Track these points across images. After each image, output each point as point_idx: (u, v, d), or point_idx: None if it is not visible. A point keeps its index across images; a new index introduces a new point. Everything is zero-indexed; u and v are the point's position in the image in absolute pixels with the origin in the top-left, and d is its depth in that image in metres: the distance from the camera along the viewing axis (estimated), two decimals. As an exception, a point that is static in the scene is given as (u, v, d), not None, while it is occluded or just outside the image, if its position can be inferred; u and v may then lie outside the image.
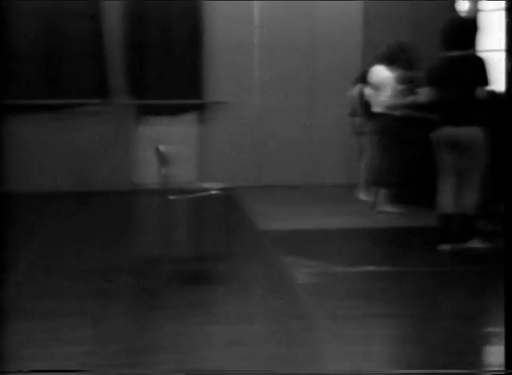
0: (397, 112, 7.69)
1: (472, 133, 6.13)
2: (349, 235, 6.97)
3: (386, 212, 7.83)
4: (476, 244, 6.28)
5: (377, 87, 7.83)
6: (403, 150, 7.87)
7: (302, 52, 9.48)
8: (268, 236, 6.87)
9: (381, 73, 7.82)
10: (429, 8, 9.42)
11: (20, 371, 3.82)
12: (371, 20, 9.44)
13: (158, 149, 6.03)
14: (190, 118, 9.52)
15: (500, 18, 10.22)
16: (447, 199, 6.28)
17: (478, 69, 6.06)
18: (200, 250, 5.82)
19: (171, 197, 5.77)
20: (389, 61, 7.76)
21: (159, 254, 5.66)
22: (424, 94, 6.30)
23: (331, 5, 9.42)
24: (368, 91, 8.03)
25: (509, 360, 2.94)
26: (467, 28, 6.20)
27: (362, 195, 8.69)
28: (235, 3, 9.36)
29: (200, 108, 9.56)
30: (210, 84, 9.47)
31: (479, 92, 6.08)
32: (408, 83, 7.83)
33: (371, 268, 5.80)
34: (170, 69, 9.39)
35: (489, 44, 10.05)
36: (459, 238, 6.25)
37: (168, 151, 5.98)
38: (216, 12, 9.36)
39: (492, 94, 7.53)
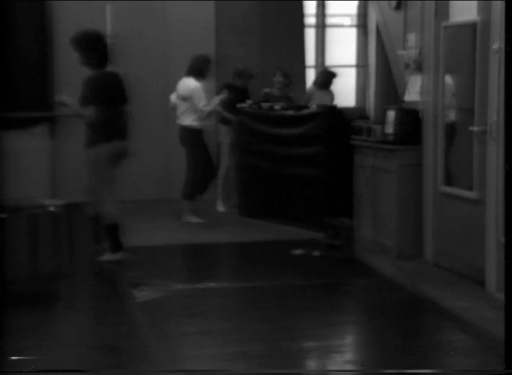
0: (198, 123, 8.08)
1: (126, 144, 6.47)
2: (192, 250, 6.94)
3: (192, 223, 7.96)
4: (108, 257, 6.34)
5: (185, 98, 8.09)
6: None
7: (156, 64, 9.39)
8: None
9: (189, 84, 8.09)
10: (278, 20, 9.56)
11: (20, 371, 3.76)
12: (223, 34, 9.48)
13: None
14: (39, 131, 9.22)
15: (348, 34, 10.52)
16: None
17: (116, 86, 6.36)
18: (33, 270, 5.60)
19: (3, 215, 5.53)
20: (197, 73, 8.08)
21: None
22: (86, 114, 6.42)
23: (184, 16, 9.39)
24: (175, 102, 8.24)
25: (509, 360, 2.94)
26: (98, 45, 6.40)
27: (220, 207, 8.70)
28: (85, 12, 9.16)
29: (50, 120, 9.28)
30: (60, 97, 9.20)
31: (121, 108, 6.40)
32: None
33: (211, 284, 5.78)
34: (18, 80, 9.07)
35: (339, 59, 10.33)
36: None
37: None
38: (66, 21, 9.12)
39: (329, 108, 7.78)
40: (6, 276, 5.39)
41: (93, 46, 6.41)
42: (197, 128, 8.14)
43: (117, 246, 6.33)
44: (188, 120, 8.13)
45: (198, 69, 8.08)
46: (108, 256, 6.34)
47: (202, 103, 8.05)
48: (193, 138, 8.15)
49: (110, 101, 6.36)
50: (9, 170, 6.56)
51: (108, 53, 6.43)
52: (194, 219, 8.06)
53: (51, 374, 3.73)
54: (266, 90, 8.83)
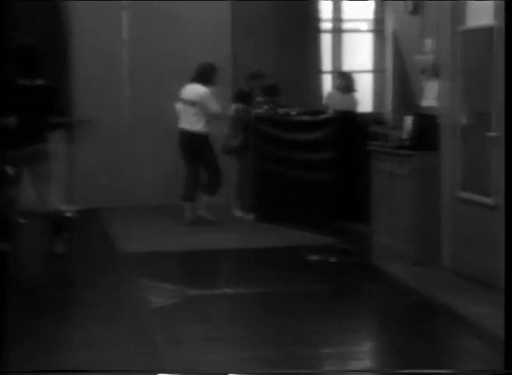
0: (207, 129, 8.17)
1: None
2: (207, 256, 6.92)
3: (206, 227, 8.02)
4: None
5: (194, 104, 8.17)
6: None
7: (172, 69, 9.39)
8: (128, 258, 6.73)
9: (197, 89, 8.19)
10: (293, 25, 9.56)
11: (20, 371, 3.75)
12: (239, 38, 9.48)
13: (5, 170, 5.84)
14: (56, 137, 9.24)
15: (365, 39, 10.49)
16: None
17: (45, 97, 6.62)
18: (46, 274, 5.61)
19: (20, 220, 5.57)
20: (204, 79, 8.18)
21: (7, 279, 5.43)
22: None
23: (201, 20, 9.40)
24: (179, 107, 8.30)
25: (509, 360, 2.92)
26: (30, 58, 6.59)
27: (236, 212, 8.71)
28: (102, 18, 9.20)
29: (66, 126, 9.30)
30: (77, 102, 9.25)
31: (48, 117, 6.66)
32: None
33: (226, 290, 5.76)
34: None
35: (355, 64, 10.29)
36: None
37: (15, 172, 5.80)
38: (83, 26, 9.17)
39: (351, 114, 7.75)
40: (23, 280, 5.44)
41: (24, 58, 6.60)
42: (205, 133, 8.22)
43: (65, 239, 6.40)
44: (197, 126, 8.18)
45: (204, 76, 8.19)
46: (60, 249, 6.38)
47: (214, 107, 8.14)
48: (202, 143, 8.21)
49: (29, 110, 6.52)
50: (26, 176, 6.61)
51: (39, 65, 6.66)
52: (209, 215, 8.17)
53: (51, 374, 3.71)
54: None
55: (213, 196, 8.32)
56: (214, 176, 8.30)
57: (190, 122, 8.19)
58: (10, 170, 6.17)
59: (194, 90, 8.19)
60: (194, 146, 8.23)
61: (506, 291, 2.89)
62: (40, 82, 6.55)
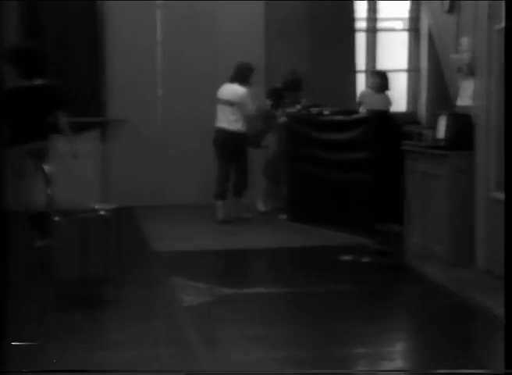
0: (244, 128, 8.29)
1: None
2: (240, 255, 6.92)
3: (239, 227, 8.09)
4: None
5: (233, 104, 8.26)
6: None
7: (205, 69, 9.43)
8: (162, 257, 6.75)
9: (236, 90, 8.28)
10: (328, 25, 9.51)
11: (20, 371, 3.77)
12: (272, 39, 9.47)
13: (42, 169, 5.89)
14: (91, 136, 9.33)
15: (400, 38, 10.41)
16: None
17: (49, 96, 6.77)
18: (83, 273, 5.64)
19: (56, 218, 5.61)
20: (241, 79, 8.28)
21: (42, 277, 5.49)
22: None
23: (233, 21, 9.41)
24: (222, 107, 8.37)
25: (509, 360, 2.91)
26: (27, 58, 6.74)
27: (260, 206, 8.77)
28: (136, 19, 9.25)
29: (101, 125, 9.38)
30: (112, 102, 9.32)
31: (55, 115, 6.83)
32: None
33: (258, 289, 5.75)
34: (70, 86, 9.19)
35: (390, 63, 10.22)
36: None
37: (52, 171, 5.84)
38: (117, 27, 9.24)
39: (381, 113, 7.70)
40: (57, 278, 5.47)
41: (23, 59, 6.73)
42: (243, 133, 8.32)
43: (44, 233, 6.45)
44: (235, 125, 8.27)
45: (242, 76, 8.29)
46: (39, 243, 6.51)
47: (249, 108, 8.24)
48: (238, 143, 8.31)
49: (27, 108, 6.66)
50: (62, 175, 6.68)
51: (38, 66, 6.79)
52: (245, 214, 8.31)
53: (52, 374, 3.73)
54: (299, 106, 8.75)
55: (240, 197, 8.40)
56: (241, 177, 8.38)
57: (229, 121, 8.26)
58: (47, 168, 6.23)
59: (233, 90, 8.27)
60: (231, 145, 8.30)
61: (505, 291, 2.85)
62: (39, 82, 6.71)
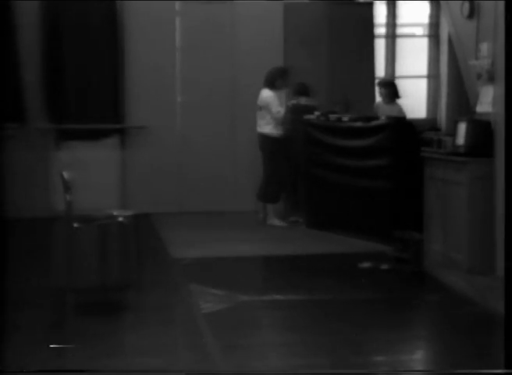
0: (278, 131, 8.45)
1: None
2: (258, 262, 6.91)
3: (275, 226, 8.38)
4: None
5: (261, 108, 8.54)
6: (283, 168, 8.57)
7: (224, 75, 9.44)
8: (180, 264, 6.75)
9: (263, 93, 8.54)
10: (347, 31, 9.50)
11: (20, 371, 3.79)
12: (291, 45, 9.47)
13: (62, 175, 5.89)
14: (110, 143, 9.37)
15: (420, 44, 10.37)
16: None
17: None
18: (102, 280, 5.65)
19: (75, 224, 5.62)
20: (270, 84, 8.51)
21: (62, 284, 5.49)
22: None
23: (252, 27, 9.42)
24: (257, 113, 8.62)
25: (509, 360, 2.88)
26: None
27: (271, 220, 8.64)
28: (155, 25, 9.29)
29: (120, 132, 9.42)
30: (131, 109, 9.35)
31: None
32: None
33: (276, 297, 5.73)
34: (90, 92, 9.24)
35: (410, 69, 10.18)
36: None
37: (71, 177, 5.84)
38: (137, 34, 9.27)
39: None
40: (77, 284, 5.49)
41: None
42: (274, 136, 8.48)
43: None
44: (267, 128, 8.52)
45: (270, 81, 8.52)
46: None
47: (274, 110, 8.42)
48: (269, 146, 8.52)
49: None
50: (82, 181, 6.70)
51: None
52: (277, 223, 8.43)
53: (52, 374, 3.73)
54: (293, 101, 8.72)
55: (265, 202, 8.53)
56: (263, 182, 8.50)
57: (260, 125, 8.56)
58: (66, 175, 6.24)
59: (262, 94, 8.55)
60: (262, 148, 8.56)
61: (506, 291, 2.82)
62: None
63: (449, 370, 3.95)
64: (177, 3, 9.41)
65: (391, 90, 8.94)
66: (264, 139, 8.51)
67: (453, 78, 9.45)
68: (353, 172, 7.76)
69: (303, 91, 8.74)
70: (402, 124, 7.54)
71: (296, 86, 8.74)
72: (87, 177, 8.40)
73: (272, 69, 8.59)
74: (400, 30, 10.27)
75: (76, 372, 3.83)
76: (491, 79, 6.39)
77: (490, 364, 4.44)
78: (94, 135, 9.26)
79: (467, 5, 6.82)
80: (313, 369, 4.27)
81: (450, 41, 8.93)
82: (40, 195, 9.02)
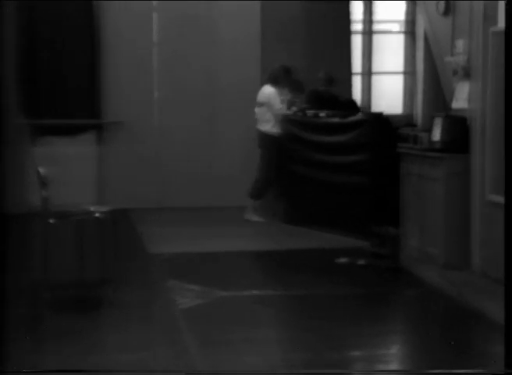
0: (277, 130, 8.41)
1: None
2: (236, 258, 6.92)
3: (252, 222, 8.38)
4: None
5: (261, 104, 8.51)
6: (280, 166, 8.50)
7: (201, 71, 9.42)
8: (158, 259, 6.75)
9: (265, 90, 8.51)
10: (324, 27, 9.52)
11: (20, 371, 3.77)
12: (268, 41, 9.47)
13: (38, 171, 5.86)
14: (87, 138, 9.32)
15: (396, 40, 10.42)
16: None
17: None
18: (79, 276, 5.62)
19: (51, 220, 5.60)
20: (273, 81, 8.49)
21: (39, 280, 5.47)
22: None
23: (229, 23, 9.41)
24: (256, 109, 8.56)
25: (509, 360, 2.90)
26: None
27: (249, 215, 8.65)
28: (132, 20, 9.25)
29: (97, 128, 9.37)
30: (108, 104, 9.31)
31: None
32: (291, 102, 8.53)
33: (254, 292, 5.75)
34: (66, 88, 9.19)
35: (386, 65, 10.23)
36: None
37: (48, 172, 5.82)
38: (113, 29, 9.23)
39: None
40: (53, 280, 5.46)
41: None
42: (273, 134, 8.46)
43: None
44: (266, 126, 8.50)
45: (274, 77, 8.52)
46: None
47: (276, 107, 8.43)
48: (267, 143, 8.50)
49: None
50: (58, 177, 6.66)
51: None
52: (255, 218, 8.42)
53: (51, 374, 3.73)
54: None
55: (252, 199, 8.52)
56: (258, 179, 8.52)
57: (261, 122, 8.53)
58: (42, 171, 6.20)
59: (263, 91, 8.54)
60: (261, 146, 8.55)
61: (506, 292, 2.85)
62: None
63: (447, 370, 3.97)
64: (154, -2, 9.40)
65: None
66: (264, 137, 8.50)
67: (429, 74, 9.51)
68: (329, 168, 7.79)
69: (300, 88, 8.70)
70: (379, 120, 7.57)
71: (293, 84, 8.66)
72: (64, 173, 8.34)
73: (276, 66, 8.57)
74: (376, 27, 10.31)
75: (75, 372, 3.82)
76: (466, 75, 6.44)
77: (466, 358, 4.48)
78: (71, 130, 9.21)
79: (442, 2, 6.87)
80: (290, 368, 4.29)
81: (426, 38, 8.98)
82: (16, 191, 8.97)
